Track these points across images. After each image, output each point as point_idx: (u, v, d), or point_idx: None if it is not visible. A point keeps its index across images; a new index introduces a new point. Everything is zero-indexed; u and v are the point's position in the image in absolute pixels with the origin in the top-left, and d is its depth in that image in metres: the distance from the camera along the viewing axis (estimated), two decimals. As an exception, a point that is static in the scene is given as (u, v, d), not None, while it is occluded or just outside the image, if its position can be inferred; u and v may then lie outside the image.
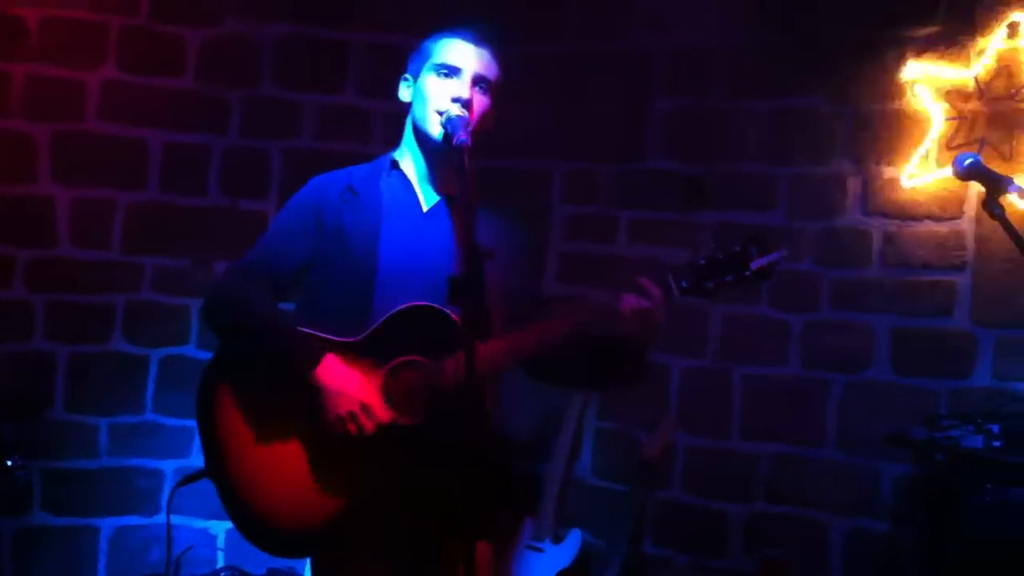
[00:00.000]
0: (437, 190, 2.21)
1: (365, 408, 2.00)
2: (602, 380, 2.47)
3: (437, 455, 2.00)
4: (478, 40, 2.14)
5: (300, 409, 2.04)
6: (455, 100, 2.09)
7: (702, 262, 2.02)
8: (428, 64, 2.15)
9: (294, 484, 2.04)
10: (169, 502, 3.19)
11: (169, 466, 3.64)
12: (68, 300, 3.55)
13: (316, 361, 2.01)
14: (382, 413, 2.01)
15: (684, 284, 2.02)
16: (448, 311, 2.00)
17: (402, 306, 2.05)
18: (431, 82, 2.13)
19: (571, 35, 3.79)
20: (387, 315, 2.04)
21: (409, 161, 2.21)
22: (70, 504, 3.54)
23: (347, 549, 2.10)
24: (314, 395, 2.02)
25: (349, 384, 2.01)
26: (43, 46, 3.49)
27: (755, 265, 2.02)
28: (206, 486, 3.58)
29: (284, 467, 2.05)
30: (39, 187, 3.53)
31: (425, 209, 2.18)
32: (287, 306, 2.24)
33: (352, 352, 2.05)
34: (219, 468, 2.10)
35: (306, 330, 2.07)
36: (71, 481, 3.53)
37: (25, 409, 3.49)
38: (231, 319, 2.14)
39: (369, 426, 2.01)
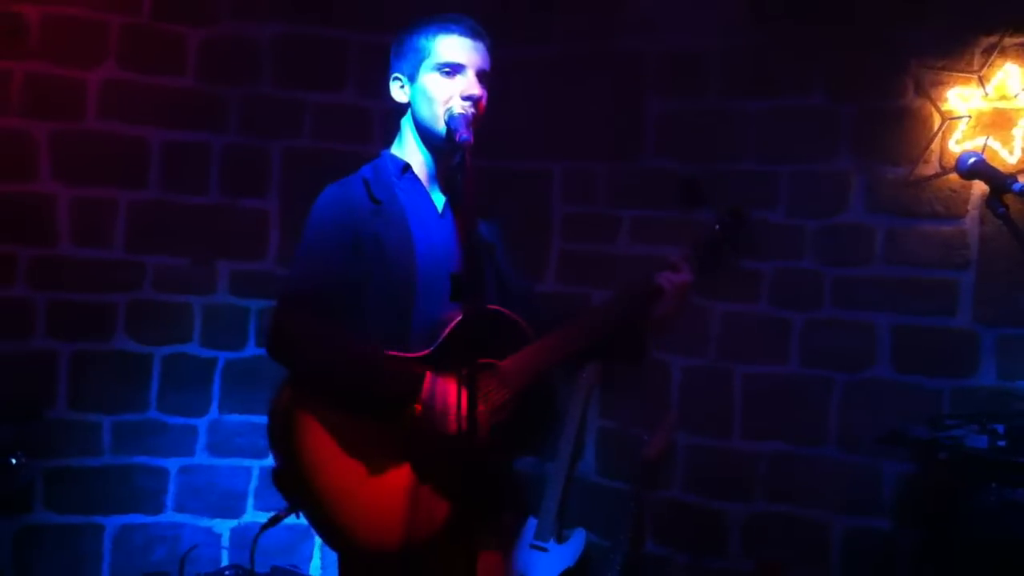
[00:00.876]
0: (443, 191, 2.22)
1: (481, 412, 2.00)
2: (623, 358, 2.47)
3: (505, 457, 2.05)
4: (475, 35, 2.13)
5: (393, 431, 2.02)
6: (466, 97, 2.08)
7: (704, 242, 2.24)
8: (427, 63, 2.13)
9: (401, 505, 2.01)
10: (253, 548, 3.22)
11: (173, 464, 3.65)
12: (70, 298, 3.55)
13: (419, 385, 1.99)
14: (485, 420, 2.02)
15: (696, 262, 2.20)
16: (510, 313, 2.06)
17: (465, 315, 2.01)
18: (436, 81, 2.11)
19: (560, 36, 3.78)
20: (452, 324, 2.04)
21: (418, 162, 2.19)
22: (73, 502, 3.54)
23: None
24: (416, 416, 2.00)
25: (452, 399, 2.00)
26: (44, 44, 3.48)
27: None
28: (209, 484, 3.65)
29: (384, 490, 2.01)
30: (39, 185, 3.52)
31: (439, 211, 2.19)
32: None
33: (425, 365, 2.03)
34: (312, 499, 2.01)
35: (391, 353, 2.03)
36: (74, 479, 3.54)
37: (28, 407, 3.49)
38: (312, 359, 2.04)
39: (489, 423, 2.02)
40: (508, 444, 2.05)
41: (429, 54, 2.12)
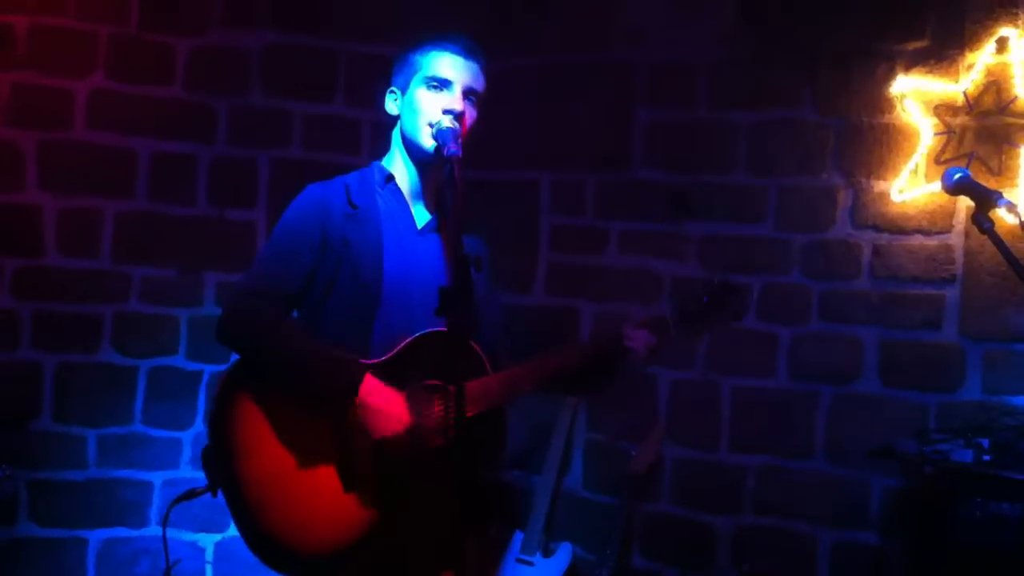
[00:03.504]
0: (427, 208, 2.23)
1: (421, 427, 2.02)
2: (589, 391, 2.52)
3: (447, 479, 2.03)
4: (467, 53, 2.16)
5: (328, 429, 2.04)
6: (447, 112, 2.10)
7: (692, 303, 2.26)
8: (418, 77, 2.16)
9: (321, 504, 2.02)
10: (166, 517, 3.16)
11: (158, 477, 3.62)
12: (55, 310, 3.53)
13: (358, 382, 2.00)
14: (430, 433, 2.04)
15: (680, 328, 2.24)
16: (471, 340, 2.07)
17: (424, 331, 2.07)
18: (422, 95, 2.14)
19: (550, 47, 3.79)
20: (410, 339, 2.07)
21: (402, 175, 2.22)
22: (57, 515, 3.51)
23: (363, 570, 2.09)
24: (352, 415, 2.01)
25: (393, 404, 2.02)
26: (31, 54, 3.47)
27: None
28: (199, 501, 3.62)
29: (309, 487, 2.02)
30: (26, 196, 3.50)
31: (419, 227, 2.21)
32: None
33: (376, 373, 2.04)
34: (234, 483, 2.04)
35: (338, 351, 2.05)
36: (58, 492, 3.51)
37: (12, 419, 3.47)
38: (260, 346, 2.08)
39: (436, 442, 2.04)
40: (450, 468, 2.04)
41: (420, 68, 2.16)
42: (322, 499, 2.02)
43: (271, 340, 2.07)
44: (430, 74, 2.14)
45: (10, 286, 3.48)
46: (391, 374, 2.05)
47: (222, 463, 2.04)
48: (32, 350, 3.51)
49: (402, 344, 2.07)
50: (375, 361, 2.06)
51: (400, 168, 2.21)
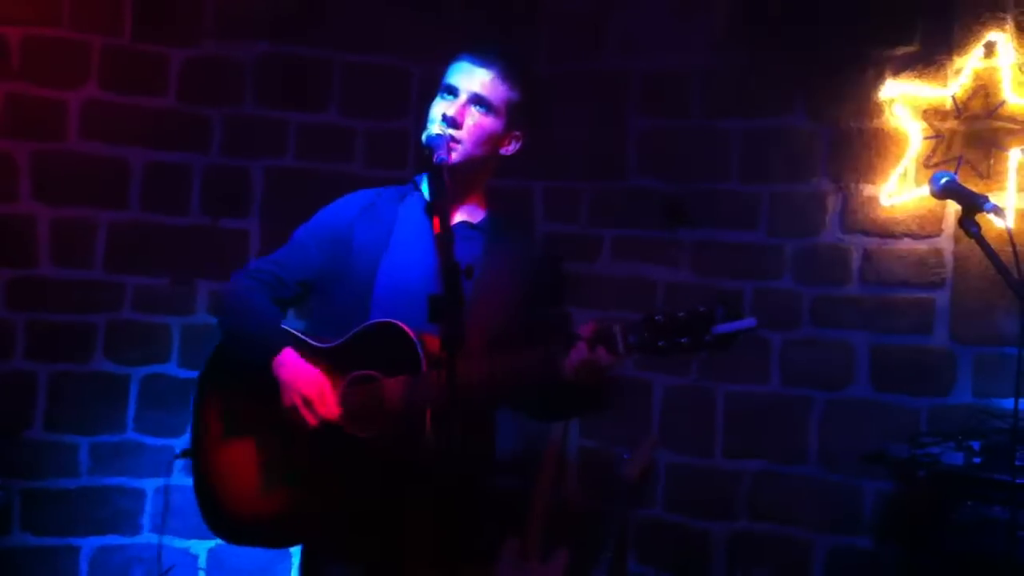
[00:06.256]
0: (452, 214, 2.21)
1: (308, 402, 2.05)
2: (560, 414, 2.55)
3: (385, 474, 2.04)
4: (480, 61, 2.14)
5: (265, 403, 2.11)
6: (442, 119, 2.10)
7: (659, 319, 1.87)
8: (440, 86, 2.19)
9: (250, 473, 2.15)
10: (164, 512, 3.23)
11: (150, 485, 3.62)
12: (49, 319, 3.54)
13: (274, 353, 2.09)
14: (326, 411, 2.05)
15: (632, 340, 1.89)
16: (411, 333, 2.03)
17: (373, 321, 2.09)
18: (434, 103, 2.16)
19: (544, 58, 3.80)
20: (362, 327, 2.09)
21: (427, 183, 2.22)
22: (50, 524, 3.51)
23: (314, 554, 2.19)
24: (275, 387, 2.10)
25: (301, 378, 2.07)
26: (24, 64, 3.48)
27: (717, 330, 1.85)
28: (186, 506, 3.62)
29: (245, 458, 2.16)
30: (20, 206, 3.51)
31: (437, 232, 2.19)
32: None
33: (320, 356, 2.11)
34: (196, 454, 2.25)
35: (289, 330, 2.15)
36: (51, 501, 3.51)
37: (5, 428, 3.47)
38: (220, 310, 2.28)
39: (311, 420, 2.05)
40: (368, 459, 2.05)
41: (442, 77, 2.18)
42: (250, 468, 2.15)
43: (229, 304, 2.23)
44: (444, 82, 2.16)
45: (4, 296, 3.49)
46: (338, 360, 2.09)
47: (193, 440, 2.26)
48: (26, 360, 3.51)
49: (351, 332, 2.09)
50: (324, 346, 2.12)
51: (426, 176, 2.23)
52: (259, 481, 2.14)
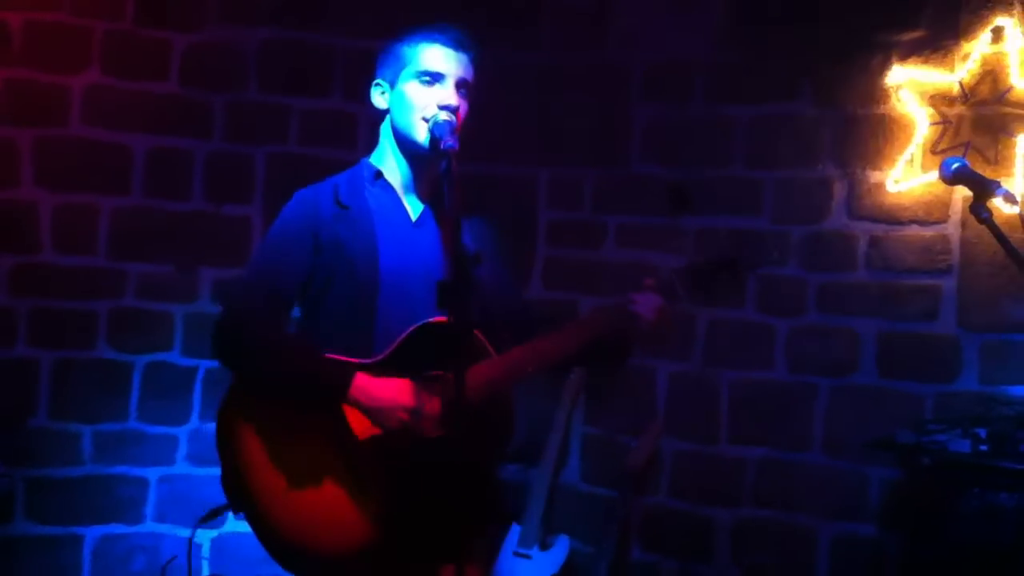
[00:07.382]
0: (421, 199, 2.22)
1: (418, 415, 2.00)
2: (597, 367, 2.63)
3: (455, 469, 2.01)
4: (457, 45, 2.14)
5: (328, 433, 2.03)
6: (443, 107, 2.09)
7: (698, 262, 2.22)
8: (408, 71, 2.14)
9: (333, 508, 2.01)
10: (190, 541, 3.16)
11: (153, 474, 3.61)
12: (51, 306, 3.52)
13: (347, 386, 2.00)
14: (428, 422, 2.01)
15: (688, 282, 2.19)
16: (466, 326, 2.00)
17: (421, 323, 2.05)
18: (414, 89, 2.13)
19: (548, 43, 3.79)
20: (407, 332, 2.04)
21: (393, 169, 2.20)
22: (53, 512, 3.50)
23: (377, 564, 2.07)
24: (351, 416, 2.01)
25: (397, 396, 2.00)
26: (26, 50, 3.46)
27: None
28: (189, 494, 3.62)
29: (318, 494, 2.02)
30: (22, 192, 3.49)
31: (413, 219, 2.19)
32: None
33: (376, 371, 2.04)
34: (250, 502, 2.05)
35: (331, 356, 2.04)
36: (54, 489, 3.50)
37: (8, 416, 3.46)
38: (253, 365, 2.07)
39: (431, 431, 2.01)
40: (457, 457, 2.01)
41: (410, 62, 2.14)
42: (333, 503, 2.01)
43: (263, 357, 2.07)
44: (422, 68, 2.12)
45: (6, 283, 3.47)
46: (390, 371, 2.04)
47: (235, 487, 2.06)
48: (29, 347, 3.49)
49: (399, 339, 2.05)
50: (372, 360, 2.04)
51: (391, 162, 2.20)
52: (358, 514, 2.01)
